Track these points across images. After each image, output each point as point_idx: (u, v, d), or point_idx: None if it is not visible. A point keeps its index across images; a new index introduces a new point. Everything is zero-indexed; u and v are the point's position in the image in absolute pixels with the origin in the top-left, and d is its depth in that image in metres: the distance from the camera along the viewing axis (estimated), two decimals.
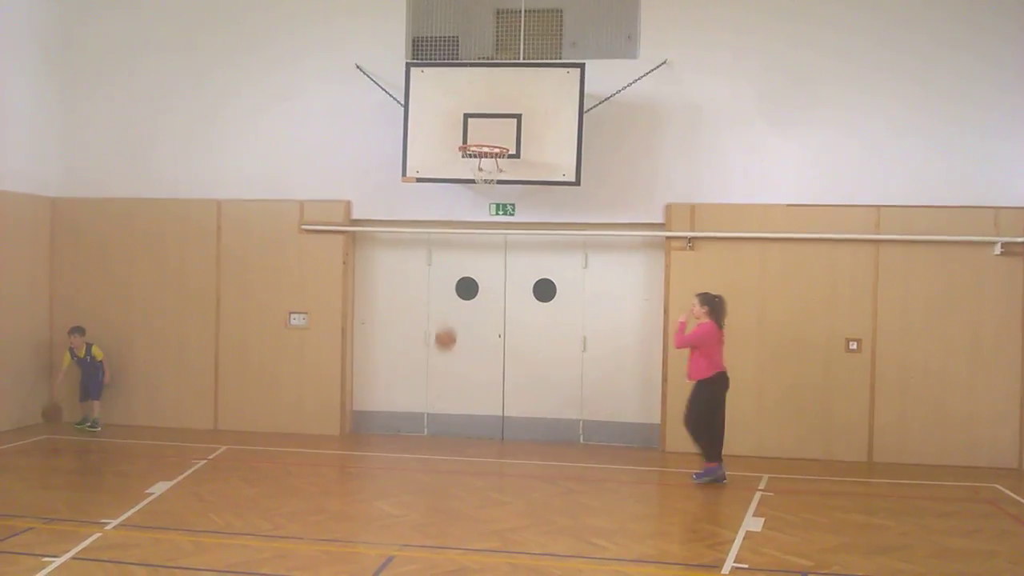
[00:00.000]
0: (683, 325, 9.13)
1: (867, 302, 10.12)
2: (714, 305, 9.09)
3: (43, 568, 6.11)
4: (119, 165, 11.41)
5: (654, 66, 10.41)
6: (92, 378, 10.92)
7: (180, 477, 8.76)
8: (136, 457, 9.62)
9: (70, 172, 11.48)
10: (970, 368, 9.96)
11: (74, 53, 11.50)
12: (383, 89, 10.76)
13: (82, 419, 10.94)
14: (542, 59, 10.74)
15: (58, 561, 6.25)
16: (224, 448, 10.08)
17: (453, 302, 11.11)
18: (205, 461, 9.47)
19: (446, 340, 10.11)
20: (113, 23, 11.47)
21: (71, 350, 10.83)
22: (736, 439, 10.18)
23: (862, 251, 10.13)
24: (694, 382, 9.05)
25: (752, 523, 7.55)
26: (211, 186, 11.21)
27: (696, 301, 9.16)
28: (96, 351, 10.90)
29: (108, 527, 7.07)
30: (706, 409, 8.99)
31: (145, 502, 7.83)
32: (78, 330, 10.86)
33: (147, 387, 11.26)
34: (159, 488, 8.29)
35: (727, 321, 9.12)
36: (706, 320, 9.03)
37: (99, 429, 10.80)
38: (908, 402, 10.05)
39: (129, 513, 7.46)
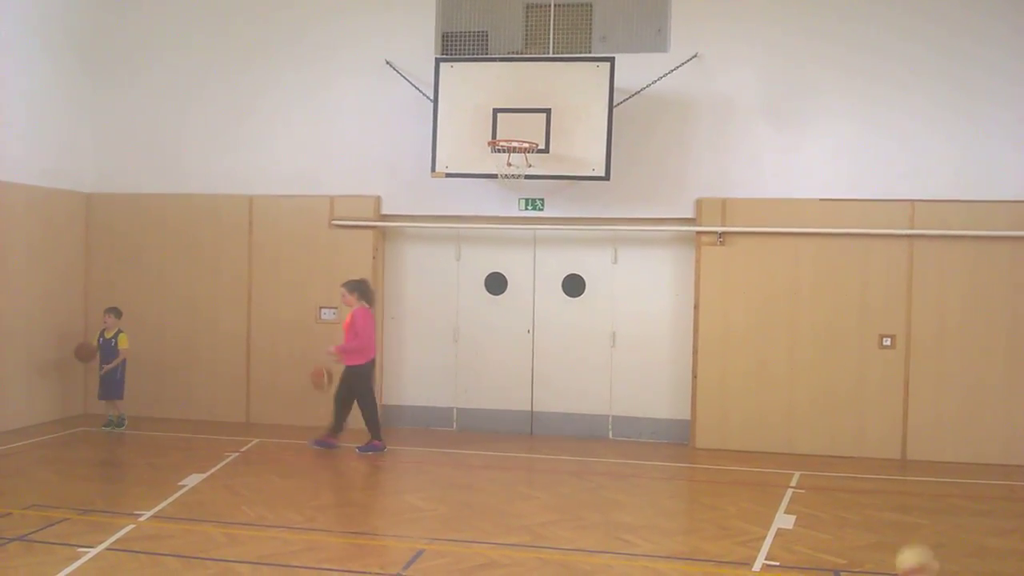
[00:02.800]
0: (339, 349, 9.60)
1: (901, 298, 9.99)
2: (363, 289, 9.70)
3: (78, 559, 6.19)
4: (152, 161, 11.53)
5: (684, 60, 10.34)
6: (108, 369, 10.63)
7: (212, 469, 8.84)
8: (169, 449, 9.72)
9: (104, 169, 11.62)
10: (1007, 364, 9.80)
11: (107, 51, 11.63)
12: (412, 84, 10.78)
13: (108, 421, 10.72)
14: (571, 53, 10.71)
15: (93, 552, 6.33)
16: (256, 441, 10.16)
17: (482, 297, 11.12)
18: (237, 454, 9.55)
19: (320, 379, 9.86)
20: (145, 20, 11.59)
21: (102, 331, 10.73)
22: (768, 436, 10.14)
23: (896, 246, 10.00)
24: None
25: (784, 520, 7.49)
26: (243, 182, 11.30)
27: (344, 290, 9.73)
28: (123, 339, 10.64)
29: (142, 518, 7.16)
30: (360, 393, 9.65)
31: (178, 494, 7.92)
32: (113, 311, 10.69)
33: (180, 380, 11.37)
34: (192, 480, 8.38)
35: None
36: (358, 306, 9.54)
37: (125, 427, 10.65)
38: (943, 399, 9.91)
39: (162, 505, 7.54)
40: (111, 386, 10.69)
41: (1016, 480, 9.14)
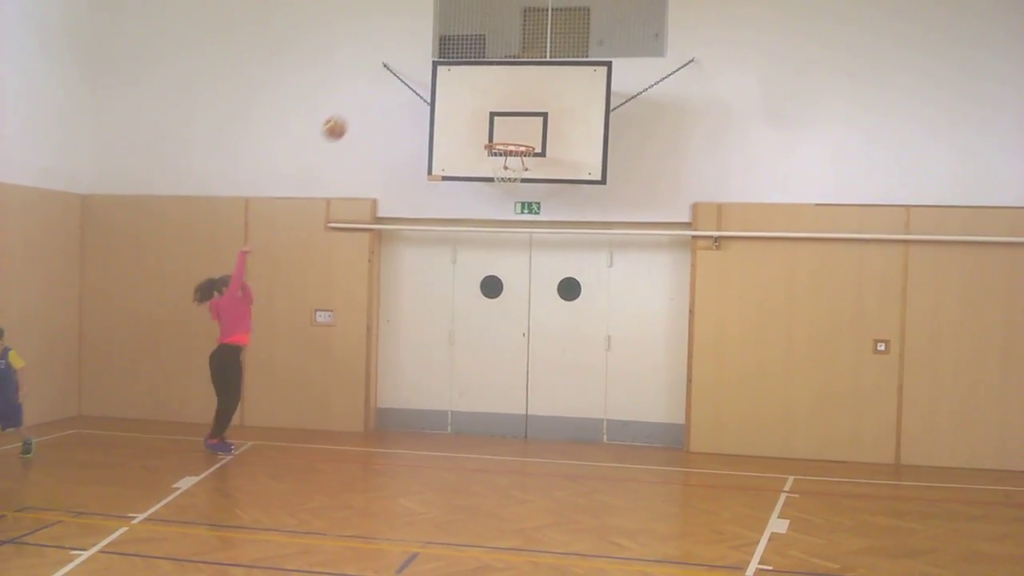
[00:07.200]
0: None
1: (896, 303, 10.01)
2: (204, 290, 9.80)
3: (71, 561, 6.18)
4: (149, 163, 11.52)
5: (681, 64, 10.35)
6: (2, 393, 8.97)
7: (206, 472, 8.84)
8: (163, 452, 9.70)
9: (100, 170, 11.61)
10: (1001, 369, 9.81)
11: (105, 52, 11.62)
12: (410, 87, 10.79)
13: (24, 447, 9.17)
14: (569, 57, 10.72)
15: (85, 554, 6.32)
16: (250, 444, 10.15)
17: (477, 300, 11.11)
18: (231, 456, 9.54)
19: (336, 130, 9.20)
20: (144, 21, 11.59)
21: None
22: (762, 440, 10.15)
23: (891, 251, 10.01)
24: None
25: (777, 525, 7.49)
26: (239, 184, 11.29)
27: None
28: (14, 357, 8.99)
29: (135, 521, 7.14)
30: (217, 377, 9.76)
31: (172, 496, 7.90)
32: None
33: (175, 383, 11.35)
34: (186, 483, 8.36)
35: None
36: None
37: (32, 454, 9.17)
38: (937, 404, 9.92)
39: (156, 507, 7.53)
40: (8, 411, 9.03)
41: (1011, 485, 9.15)
